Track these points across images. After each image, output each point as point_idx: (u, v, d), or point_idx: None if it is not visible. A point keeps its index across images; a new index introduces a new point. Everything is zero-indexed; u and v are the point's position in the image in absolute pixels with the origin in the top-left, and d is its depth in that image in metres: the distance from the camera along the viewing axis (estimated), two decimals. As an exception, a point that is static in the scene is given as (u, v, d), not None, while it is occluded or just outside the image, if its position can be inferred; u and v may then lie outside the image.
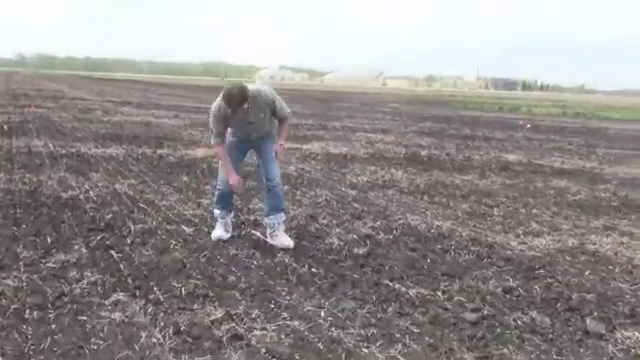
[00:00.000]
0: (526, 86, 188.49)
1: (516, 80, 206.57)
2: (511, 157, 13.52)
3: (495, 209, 7.69)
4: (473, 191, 8.92)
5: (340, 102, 41.50)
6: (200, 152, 11.64)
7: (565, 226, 6.94)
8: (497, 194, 8.77)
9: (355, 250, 5.54)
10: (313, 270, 4.92)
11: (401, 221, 6.77)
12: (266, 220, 5.59)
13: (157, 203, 7.01)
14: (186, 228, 6.00)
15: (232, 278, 4.64)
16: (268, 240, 5.56)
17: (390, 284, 4.66)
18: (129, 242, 5.41)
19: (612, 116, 36.40)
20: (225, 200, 5.65)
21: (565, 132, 22.33)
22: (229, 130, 5.48)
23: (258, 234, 5.71)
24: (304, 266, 4.99)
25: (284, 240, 5.48)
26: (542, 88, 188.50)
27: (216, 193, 5.73)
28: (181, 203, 7.10)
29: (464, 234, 6.34)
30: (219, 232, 5.66)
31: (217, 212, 5.68)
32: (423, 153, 13.43)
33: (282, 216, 5.58)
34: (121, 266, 4.78)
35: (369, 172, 10.24)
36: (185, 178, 8.64)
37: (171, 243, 5.46)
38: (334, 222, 6.57)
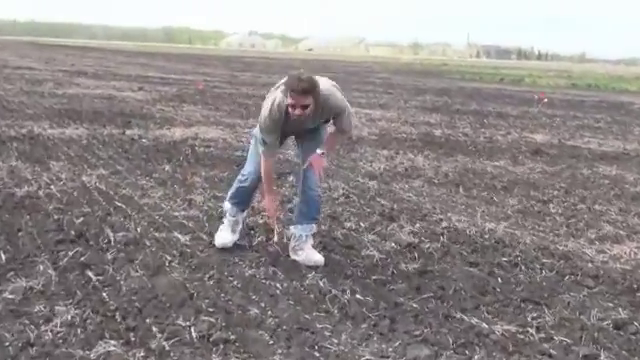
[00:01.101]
0: (521, 54, 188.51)
1: (509, 48, 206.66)
2: (538, 137, 12.85)
3: (550, 205, 6.96)
4: (514, 181, 8.19)
5: (322, 72, 40.52)
6: (178, 132, 10.75)
7: (644, 228, 6.25)
8: (543, 185, 8.05)
9: (403, 266, 4.76)
10: (358, 297, 4.13)
11: (444, 223, 6.00)
12: (292, 229, 4.76)
13: (138, 201, 6.15)
14: (180, 236, 5.16)
15: (255, 311, 3.83)
16: (291, 255, 4.75)
17: (465, 318, 3.89)
18: (110, 258, 4.56)
19: (628, 88, 36.02)
20: (244, 197, 4.92)
21: (584, 107, 21.75)
22: None
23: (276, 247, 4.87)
24: (345, 291, 4.19)
25: (312, 255, 4.66)
26: (540, 57, 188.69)
27: (236, 185, 4.97)
28: (167, 201, 6.24)
29: (527, 240, 5.60)
30: (225, 235, 4.92)
31: (228, 207, 4.93)
32: (437, 133, 12.70)
33: (313, 227, 4.78)
34: (104, 295, 3.94)
35: (383, 157, 9.46)
36: (167, 167, 7.75)
37: (165, 259, 4.63)
38: (363, 225, 5.78)
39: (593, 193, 7.73)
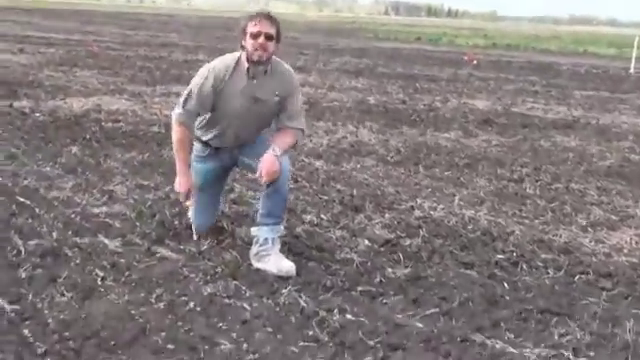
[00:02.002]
0: (431, 11, 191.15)
1: (418, 4, 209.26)
2: (479, 104, 12.64)
3: (525, 186, 6.62)
4: (475, 157, 7.82)
5: (224, 31, 39.42)
6: (76, 104, 9.81)
7: (636, 210, 5.98)
8: (507, 161, 7.72)
9: (389, 271, 4.24)
10: (350, 317, 3.57)
11: (417, 212, 5.53)
12: (254, 232, 4.14)
13: (45, 195, 5.35)
14: (108, 241, 4.44)
15: (227, 345, 3.22)
16: (254, 263, 4.14)
17: (487, 341, 3.41)
18: (26, 277, 3.82)
19: (549, 48, 36.84)
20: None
21: (512, 69, 21.89)
22: (206, 135, 4.34)
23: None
24: (332, 311, 3.63)
25: (282, 264, 4.05)
26: (450, 14, 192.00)
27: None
28: (82, 193, 5.47)
29: (515, 230, 5.21)
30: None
31: None
32: (372, 101, 12.25)
33: (280, 229, 4.17)
34: (27, 333, 3.22)
35: (322, 131, 8.91)
36: (74, 149, 6.91)
37: (96, 274, 3.92)
38: (325, 218, 5.23)
39: (562, 169, 7.45)
